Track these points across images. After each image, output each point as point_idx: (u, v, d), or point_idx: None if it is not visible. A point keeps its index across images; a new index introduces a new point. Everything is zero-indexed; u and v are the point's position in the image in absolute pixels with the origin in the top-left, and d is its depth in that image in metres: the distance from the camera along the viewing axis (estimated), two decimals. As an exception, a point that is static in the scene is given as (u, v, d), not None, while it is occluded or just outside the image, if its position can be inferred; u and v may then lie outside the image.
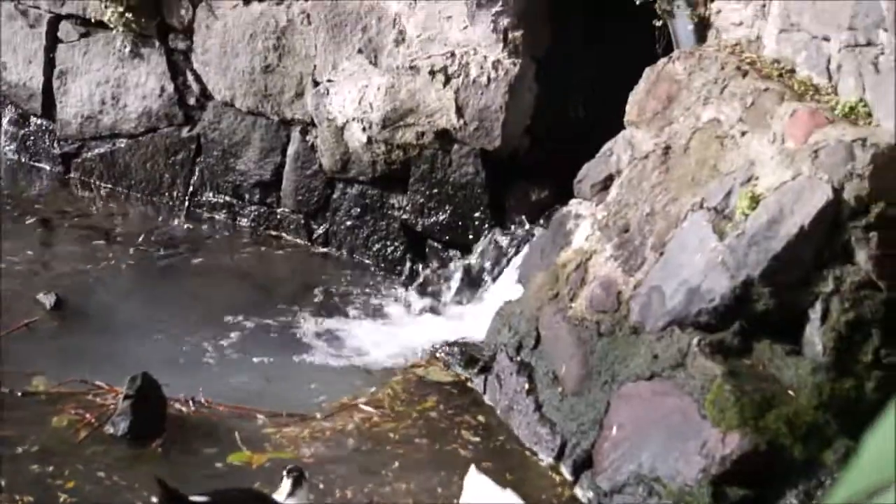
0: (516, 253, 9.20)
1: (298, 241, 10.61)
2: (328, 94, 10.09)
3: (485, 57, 9.36)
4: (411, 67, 9.71)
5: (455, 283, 9.52)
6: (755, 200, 6.61)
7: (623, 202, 7.58)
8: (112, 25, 10.88)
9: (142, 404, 7.10)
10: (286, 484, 6.12)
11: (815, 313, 6.30)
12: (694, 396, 6.32)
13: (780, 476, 6.00)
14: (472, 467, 6.38)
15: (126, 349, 8.28)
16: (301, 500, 6.18)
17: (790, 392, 6.17)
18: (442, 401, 7.92)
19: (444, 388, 8.11)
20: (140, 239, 10.42)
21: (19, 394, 7.44)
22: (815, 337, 6.27)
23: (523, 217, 9.50)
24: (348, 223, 10.32)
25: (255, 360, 8.45)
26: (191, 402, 7.50)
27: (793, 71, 7.07)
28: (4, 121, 11.84)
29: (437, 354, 8.53)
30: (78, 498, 6.44)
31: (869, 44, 6.56)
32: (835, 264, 6.35)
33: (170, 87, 11.03)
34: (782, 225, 6.41)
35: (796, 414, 6.08)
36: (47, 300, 8.89)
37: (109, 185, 11.38)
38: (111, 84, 11.20)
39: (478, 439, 7.44)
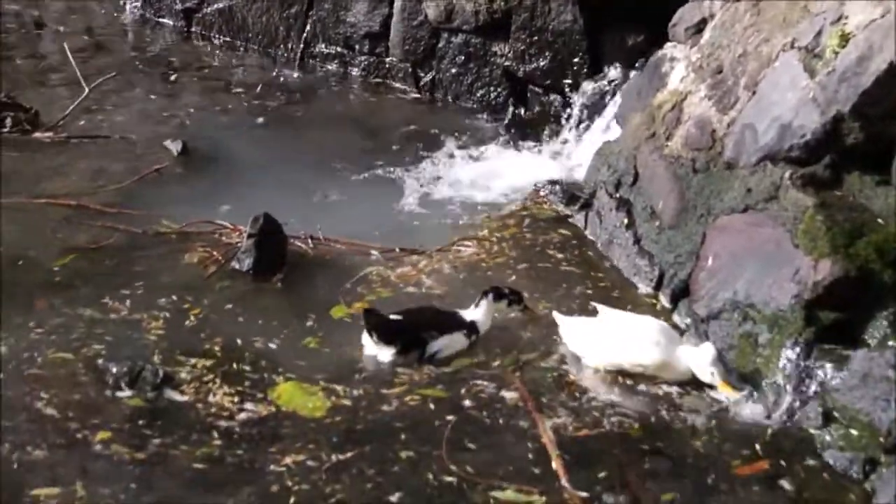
0: (614, 95, 9.14)
1: (406, 88, 10.62)
2: (431, -53, 10.03)
3: None
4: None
5: (556, 125, 9.48)
6: (845, 38, 6.47)
7: (716, 44, 7.49)
8: None
9: (264, 242, 7.19)
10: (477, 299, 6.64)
11: (904, 145, 6.21)
12: (787, 227, 6.27)
13: (870, 300, 5.92)
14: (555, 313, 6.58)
15: (248, 192, 8.36)
16: (487, 313, 6.61)
17: (879, 220, 6.08)
18: (546, 236, 7.93)
19: (547, 224, 8.12)
20: (258, 89, 10.49)
21: (151, 234, 7.57)
22: (904, 167, 6.19)
23: (619, 62, 9.43)
24: (453, 71, 10.30)
25: (367, 201, 8.51)
26: (309, 240, 7.57)
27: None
28: (130, -21, 11.91)
29: (540, 193, 8.53)
30: (204, 324, 6.58)
31: None
32: (922, 97, 6.23)
33: (282, -57, 11.02)
34: (871, 61, 6.27)
35: (885, 241, 6.00)
36: (174, 147, 8.99)
37: (228, 38, 11.44)
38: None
39: (580, 272, 7.45)
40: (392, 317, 6.44)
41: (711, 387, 6.12)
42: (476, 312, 6.61)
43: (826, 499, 5.41)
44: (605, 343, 6.32)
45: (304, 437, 5.60)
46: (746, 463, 5.60)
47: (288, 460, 5.41)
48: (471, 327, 6.55)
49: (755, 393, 6.06)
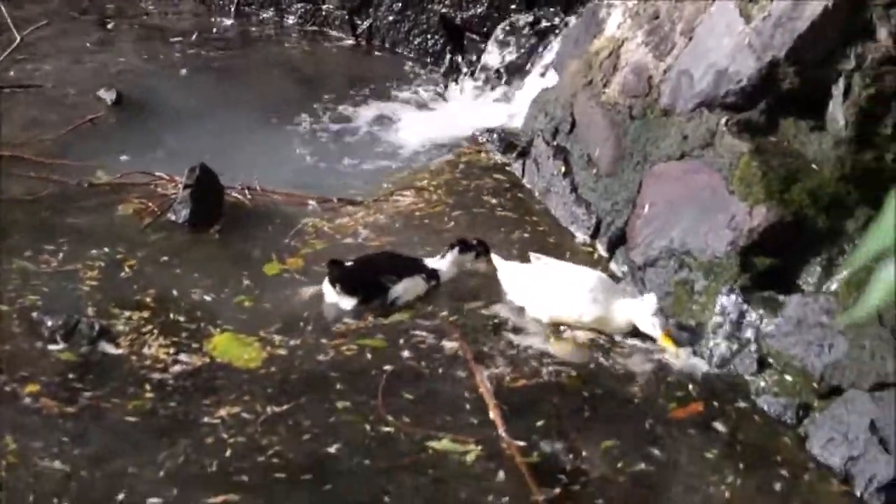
0: (550, 43, 9.10)
1: (342, 36, 10.53)
2: None
3: None
4: None
5: (492, 73, 9.44)
6: (781, -17, 6.48)
7: (653, -10, 7.47)
8: None
9: (201, 193, 7.14)
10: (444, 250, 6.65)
11: (838, 90, 6.19)
12: (722, 173, 6.28)
13: (804, 245, 5.96)
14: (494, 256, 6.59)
15: (183, 142, 8.28)
16: (451, 264, 6.62)
17: (814, 166, 6.11)
18: (483, 184, 7.92)
19: (484, 172, 8.10)
20: (193, 37, 10.37)
21: (86, 185, 7.48)
22: (838, 112, 6.17)
23: (557, 7, 9.40)
24: (390, 18, 10.23)
25: (304, 151, 8.45)
26: (246, 191, 7.52)
27: None
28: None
29: (479, 141, 8.51)
30: (139, 275, 6.53)
31: None
32: (857, 42, 6.22)
33: None
34: (807, 6, 6.27)
35: (820, 186, 6.04)
36: (108, 96, 8.89)
37: (162, -14, 11.30)
38: None
39: (518, 219, 7.45)
40: (350, 265, 6.43)
41: (652, 339, 6.12)
42: (440, 262, 6.62)
43: (761, 444, 5.45)
44: (545, 296, 6.31)
45: (239, 389, 5.57)
46: (681, 406, 5.65)
47: (223, 412, 5.38)
48: (431, 273, 6.56)
49: (692, 340, 6.07)
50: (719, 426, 5.55)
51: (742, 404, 5.69)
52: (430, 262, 6.61)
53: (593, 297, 6.20)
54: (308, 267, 6.72)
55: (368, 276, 6.40)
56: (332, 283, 6.33)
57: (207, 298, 6.35)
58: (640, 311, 6.12)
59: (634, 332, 6.18)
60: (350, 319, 6.25)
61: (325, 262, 6.42)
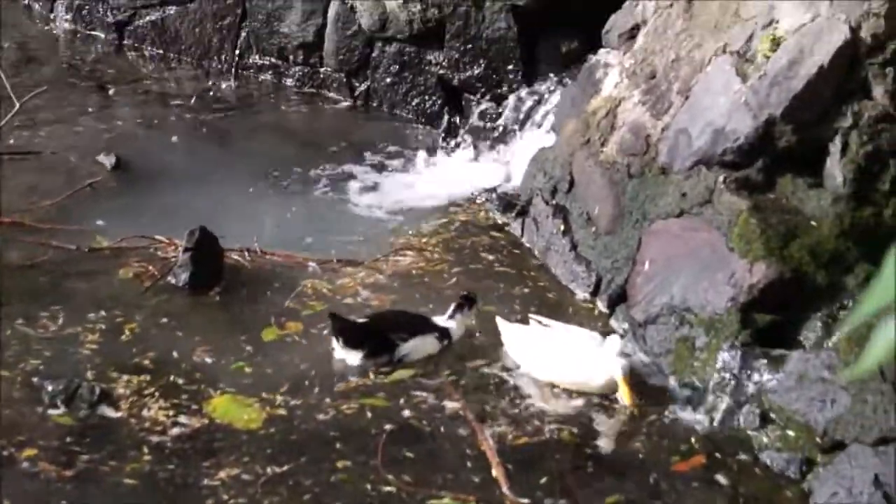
0: (547, 103, 9.15)
1: (341, 98, 10.58)
2: (364, -44, 10.03)
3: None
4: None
5: (492, 133, 9.48)
6: (776, 43, 6.53)
7: (649, 50, 7.51)
8: None
9: (201, 256, 7.14)
10: (451, 308, 6.65)
11: (835, 147, 6.24)
12: (721, 230, 6.31)
13: (804, 301, 5.99)
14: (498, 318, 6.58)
15: (183, 205, 8.28)
16: (461, 322, 6.62)
17: (812, 223, 6.14)
18: (483, 244, 7.93)
19: (484, 232, 8.12)
20: (192, 101, 10.42)
21: (86, 250, 7.48)
22: (836, 169, 6.22)
23: (554, 69, 9.45)
24: (388, 80, 10.28)
25: (304, 212, 8.46)
26: (246, 253, 7.52)
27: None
28: (60, -8, 11.82)
29: (477, 201, 8.55)
30: (140, 339, 6.53)
31: None
32: (853, 100, 6.28)
33: (214, -44, 10.98)
34: (802, 65, 6.34)
35: (819, 243, 6.07)
36: (108, 161, 8.91)
37: (161, 51, 11.36)
38: (158, -46, 11.16)
39: (518, 279, 7.45)
40: (359, 321, 6.46)
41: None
42: (450, 322, 6.63)
43: (765, 497, 5.46)
44: (551, 363, 6.29)
45: (239, 450, 5.56)
46: (684, 460, 5.66)
47: (222, 474, 5.37)
48: (443, 332, 6.56)
49: (693, 398, 6.08)
50: (722, 479, 5.55)
51: (745, 457, 5.70)
52: (440, 321, 6.62)
53: (599, 365, 6.14)
54: (307, 329, 6.71)
55: (375, 331, 6.41)
56: (335, 336, 6.34)
57: (208, 361, 6.35)
58: (605, 351, 6.09)
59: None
60: (354, 377, 6.25)
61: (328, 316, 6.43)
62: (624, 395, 6.01)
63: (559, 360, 6.24)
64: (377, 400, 6.03)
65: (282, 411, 5.91)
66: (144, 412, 5.82)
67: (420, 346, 6.45)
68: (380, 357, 6.36)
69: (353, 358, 6.32)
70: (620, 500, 5.35)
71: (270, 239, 7.76)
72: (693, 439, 5.83)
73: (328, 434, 5.74)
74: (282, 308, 6.95)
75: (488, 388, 6.23)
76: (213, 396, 5.99)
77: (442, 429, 5.83)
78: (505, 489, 5.34)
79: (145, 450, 5.53)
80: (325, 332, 6.48)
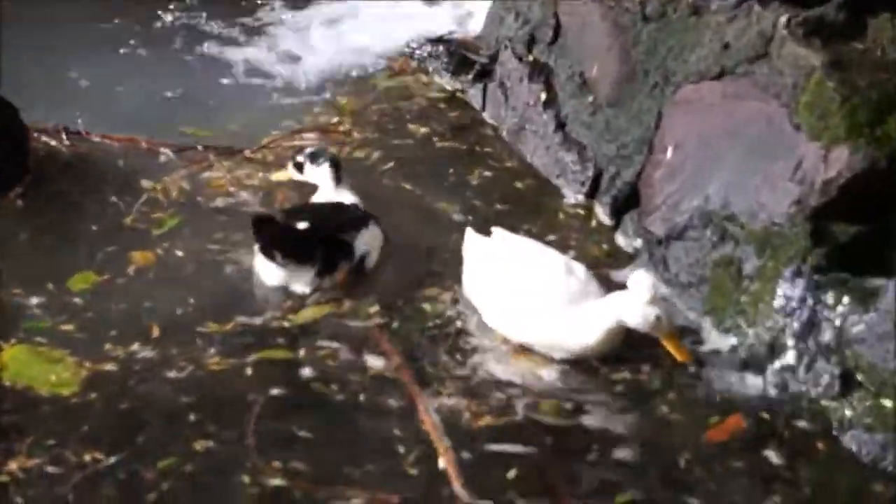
0: None
1: None
2: None
3: None
4: None
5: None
6: None
7: None
8: None
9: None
10: (324, 170, 6.80)
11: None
12: (782, 99, 6.22)
13: (907, 205, 6.00)
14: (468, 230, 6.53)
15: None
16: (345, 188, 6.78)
17: (922, 87, 6.14)
18: (422, 119, 7.97)
19: (426, 103, 8.17)
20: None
21: None
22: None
23: None
24: None
25: (159, 73, 8.47)
26: (64, 135, 7.50)
27: None
28: None
29: (414, 55, 8.58)
30: None
31: None
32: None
33: None
34: None
35: (930, 117, 6.05)
36: None
37: None
38: None
39: (479, 178, 7.45)
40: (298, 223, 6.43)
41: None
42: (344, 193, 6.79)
43: (844, 499, 5.46)
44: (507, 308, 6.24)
45: (40, 428, 5.45)
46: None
47: (13, 465, 5.26)
48: (369, 215, 6.63)
49: (738, 348, 6.04)
50: (785, 472, 5.51)
51: (819, 443, 5.63)
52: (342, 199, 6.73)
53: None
54: (166, 261, 6.63)
55: (324, 230, 6.39)
56: (268, 250, 6.28)
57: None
58: (628, 298, 5.99)
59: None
60: (244, 316, 6.24)
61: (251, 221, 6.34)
62: (674, 352, 5.98)
63: (525, 310, 6.14)
64: (270, 351, 5.99)
65: (110, 367, 5.82)
66: None
67: (373, 241, 6.51)
68: (335, 270, 6.36)
69: (302, 280, 6.31)
70: (635, 499, 5.31)
71: (103, 114, 7.78)
72: (735, 413, 5.79)
73: (180, 401, 5.65)
74: (117, 222, 6.89)
75: (436, 339, 6.19)
76: (1, 348, 5.89)
77: (361, 397, 5.79)
78: (457, 487, 5.30)
79: None
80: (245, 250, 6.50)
